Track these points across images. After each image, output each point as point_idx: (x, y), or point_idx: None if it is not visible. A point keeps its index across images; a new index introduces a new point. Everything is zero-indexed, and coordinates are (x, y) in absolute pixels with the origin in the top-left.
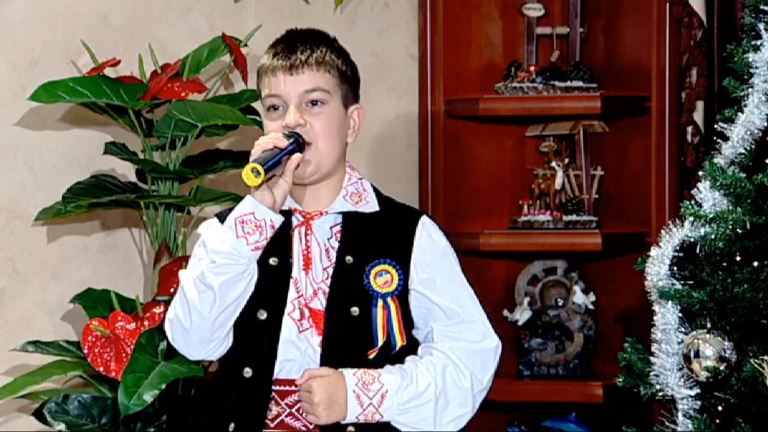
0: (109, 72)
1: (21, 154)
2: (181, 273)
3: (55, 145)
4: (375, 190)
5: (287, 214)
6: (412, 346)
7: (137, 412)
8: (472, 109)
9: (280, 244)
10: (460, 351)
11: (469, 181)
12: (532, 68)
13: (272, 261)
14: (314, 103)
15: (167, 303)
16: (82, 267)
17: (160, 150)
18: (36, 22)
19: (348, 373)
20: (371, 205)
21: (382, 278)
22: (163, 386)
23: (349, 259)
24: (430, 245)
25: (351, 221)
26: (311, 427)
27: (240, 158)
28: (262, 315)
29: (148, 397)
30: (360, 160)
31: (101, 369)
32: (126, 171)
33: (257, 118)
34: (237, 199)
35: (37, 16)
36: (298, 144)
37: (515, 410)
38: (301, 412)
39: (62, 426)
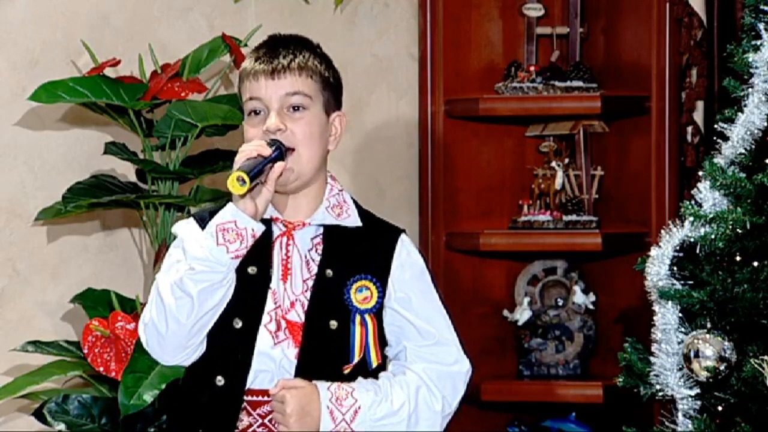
0: (109, 72)
1: (21, 154)
2: (158, 276)
3: (55, 145)
4: (355, 202)
5: (268, 222)
6: (384, 364)
7: (137, 412)
8: (472, 109)
9: (259, 253)
10: (433, 373)
11: (469, 181)
12: (532, 68)
13: (251, 270)
14: (296, 108)
15: None
16: (82, 267)
17: (160, 150)
18: (36, 22)
19: (322, 386)
20: (353, 219)
21: (361, 294)
22: (163, 386)
23: (329, 272)
24: (409, 263)
25: (332, 234)
26: None
27: None
28: (238, 324)
29: (148, 397)
30: (360, 161)
31: (101, 369)
32: (126, 171)
33: None
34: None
35: (37, 16)
36: (281, 152)
37: (515, 410)
38: (273, 422)
39: (62, 426)
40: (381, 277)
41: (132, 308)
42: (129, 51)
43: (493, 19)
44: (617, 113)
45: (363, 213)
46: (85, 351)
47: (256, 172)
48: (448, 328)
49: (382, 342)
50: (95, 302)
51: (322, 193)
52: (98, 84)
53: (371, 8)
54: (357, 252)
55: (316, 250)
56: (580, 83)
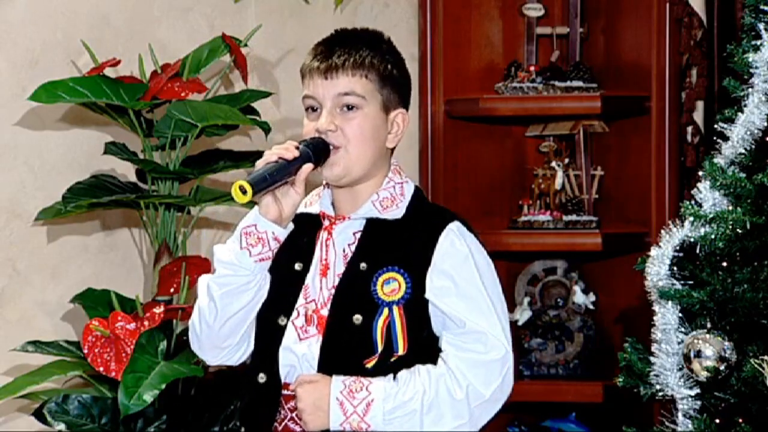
0: (109, 72)
1: (21, 154)
2: (201, 277)
3: (55, 145)
4: (417, 194)
5: (316, 217)
6: (417, 354)
7: (137, 412)
8: (472, 109)
9: (306, 249)
10: (462, 361)
11: (469, 181)
12: (532, 68)
13: (297, 266)
14: (349, 107)
15: (167, 303)
16: (82, 267)
17: (160, 150)
18: (36, 22)
19: (336, 379)
20: (397, 212)
21: (389, 286)
22: (163, 386)
23: (363, 265)
24: (451, 253)
25: (374, 227)
26: None
27: (240, 158)
28: (283, 321)
29: (148, 397)
30: None
31: (101, 369)
32: (126, 171)
33: (257, 118)
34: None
35: (37, 16)
36: (316, 153)
37: (515, 410)
38: (299, 416)
39: (62, 426)
40: (417, 269)
41: (132, 308)
42: (129, 51)
43: (493, 19)
44: (617, 113)
45: (416, 205)
46: (85, 351)
47: (268, 179)
48: (487, 315)
49: (415, 332)
50: (95, 302)
51: (378, 187)
52: (98, 84)
53: (371, 8)
54: (395, 245)
55: (356, 244)
56: (580, 83)
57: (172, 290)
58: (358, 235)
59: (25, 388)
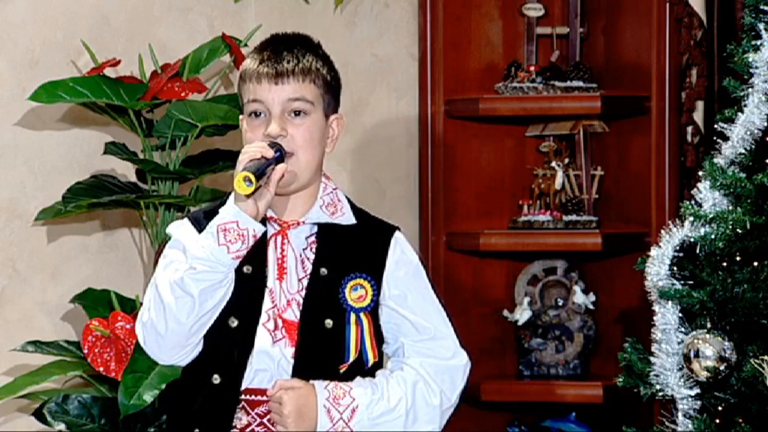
0: (109, 72)
1: (21, 154)
2: (155, 276)
3: (55, 145)
4: (349, 201)
5: (263, 222)
6: (381, 361)
7: (137, 412)
8: (472, 109)
9: (255, 252)
10: (430, 367)
11: (469, 181)
12: (532, 68)
13: (246, 269)
14: (297, 113)
15: None
16: (82, 267)
17: (160, 150)
18: (36, 22)
19: (319, 386)
20: (347, 217)
21: (356, 292)
22: (163, 386)
23: (323, 270)
24: (403, 261)
25: (326, 232)
26: None
27: None
28: (233, 322)
29: (148, 397)
30: (360, 161)
31: (101, 369)
32: (126, 171)
33: None
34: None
35: (37, 16)
36: (281, 154)
37: (515, 410)
38: (271, 422)
39: (62, 426)
40: (375, 275)
41: (132, 308)
42: (129, 51)
43: (493, 19)
44: (617, 113)
45: (357, 211)
46: (85, 351)
47: (260, 173)
48: (445, 323)
49: (378, 339)
50: (95, 302)
51: (316, 193)
52: (98, 84)
53: (371, 8)
54: (351, 250)
55: (310, 249)
56: (580, 83)
57: None
58: (310, 240)
59: (25, 388)
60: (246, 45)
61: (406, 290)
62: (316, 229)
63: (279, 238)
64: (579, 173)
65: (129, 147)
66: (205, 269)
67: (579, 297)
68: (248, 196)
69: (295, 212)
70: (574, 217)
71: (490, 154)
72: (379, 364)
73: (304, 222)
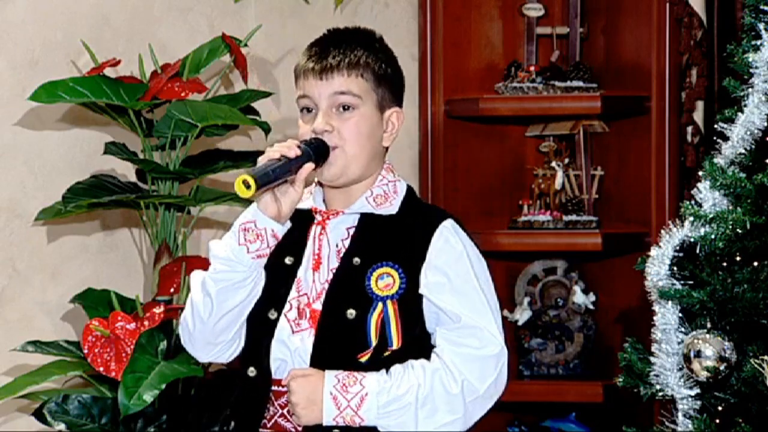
0: (109, 72)
1: (21, 154)
2: (194, 273)
3: (55, 145)
4: (410, 193)
5: (307, 213)
6: (411, 348)
7: (137, 412)
8: (472, 109)
9: (297, 243)
10: (457, 356)
11: (469, 181)
12: (532, 68)
13: (288, 260)
14: (345, 107)
15: (167, 303)
16: (82, 267)
17: (160, 150)
18: (36, 22)
19: (329, 374)
20: (392, 208)
21: (383, 281)
22: (163, 386)
23: (356, 260)
24: (445, 249)
25: (368, 223)
26: (299, 428)
27: (240, 158)
28: (273, 315)
29: (148, 397)
30: None
31: (101, 369)
32: (126, 171)
33: (257, 118)
34: (236, 199)
35: (37, 16)
36: (317, 153)
37: (515, 410)
38: (289, 412)
39: (62, 426)
40: (412, 264)
41: (132, 308)
42: (129, 51)
43: (493, 19)
44: (617, 113)
45: (410, 202)
46: (85, 351)
47: (271, 175)
48: (482, 311)
49: (407, 326)
50: (95, 302)
51: (372, 186)
52: (98, 84)
53: (371, 8)
54: (389, 240)
55: (350, 239)
56: (580, 83)
57: (172, 290)
58: (351, 231)
59: (25, 388)
60: (246, 45)
61: (444, 279)
62: (358, 219)
63: (318, 228)
64: (579, 173)
65: (129, 147)
66: (224, 269)
67: (579, 297)
68: (257, 198)
69: (343, 205)
70: (574, 217)
71: (490, 154)
72: (407, 351)
73: (344, 212)
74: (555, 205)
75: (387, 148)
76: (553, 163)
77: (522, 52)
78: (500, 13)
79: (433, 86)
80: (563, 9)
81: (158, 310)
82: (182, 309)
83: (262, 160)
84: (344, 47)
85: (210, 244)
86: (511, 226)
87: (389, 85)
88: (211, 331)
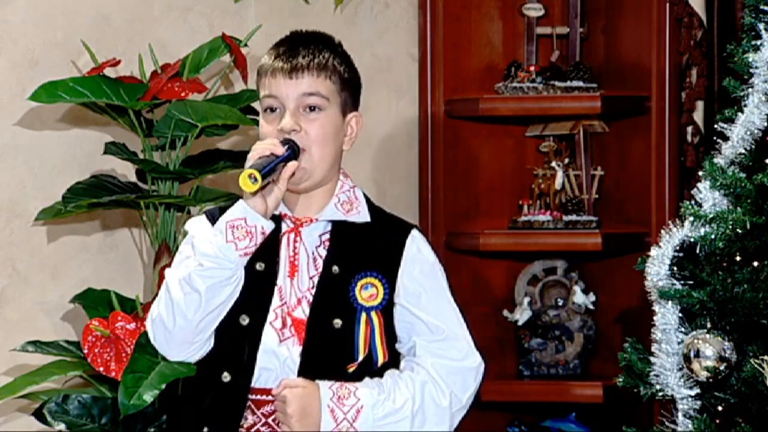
0: (109, 72)
1: (21, 154)
2: (167, 271)
3: (55, 145)
4: (367, 199)
5: (277, 219)
6: (393, 360)
7: (137, 412)
8: (472, 109)
9: (267, 249)
10: (441, 368)
11: (469, 181)
12: (532, 68)
13: (258, 266)
14: (311, 108)
15: None
16: (82, 267)
17: (160, 150)
18: (36, 22)
19: (324, 385)
20: (362, 215)
21: (367, 291)
22: (163, 386)
23: (335, 269)
24: (419, 259)
25: (340, 230)
26: None
27: (240, 158)
28: (245, 320)
29: (148, 397)
30: (360, 161)
31: (101, 369)
32: (126, 171)
33: (257, 118)
34: (237, 199)
35: (37, 16)
36: (294, 151)
37: (515, 410)
38: (276, 422)
39: (62, 426)
40: (389, 274)
41: (132, 308)
42: (129, 51)
43: (493, 19)
44: (617, 113)
45: (374, 209)
46: (85, 351)
47: (268, 170)
48: (459, 324)
49: (390, 339)
50: (95, 302)
51: (333, 191)
52: (98, 84)
53: (371, 8)
54: (365, 249)
55: (324, 247)
56: (580, 83)
57: None
58: (324, 238)
59: (25, 388)
60: (246, 45)
61: (420, 289)
62: (330, 226)
63: (292, 235)
64: (579, 173)
65: (129, 147)
66: (212, 266)
67: (579, 297)
68: (253, 194)
69: (310, 209)
70: (574, 217)
71: (490, 154)
72: (390, 364)
73: (317, 219)
74: (555, 205)
75: (342, 153)
76: (553, 163)
77: (522, 52)
78: (500, 13)
79: (433, 86)
80: (563, 9)
81: None
82: None
83: (253, 156)
84: (313, 48)
85: (194, 239)
86: (511, 226)
87: (351, 90)
88: (194, 330)
